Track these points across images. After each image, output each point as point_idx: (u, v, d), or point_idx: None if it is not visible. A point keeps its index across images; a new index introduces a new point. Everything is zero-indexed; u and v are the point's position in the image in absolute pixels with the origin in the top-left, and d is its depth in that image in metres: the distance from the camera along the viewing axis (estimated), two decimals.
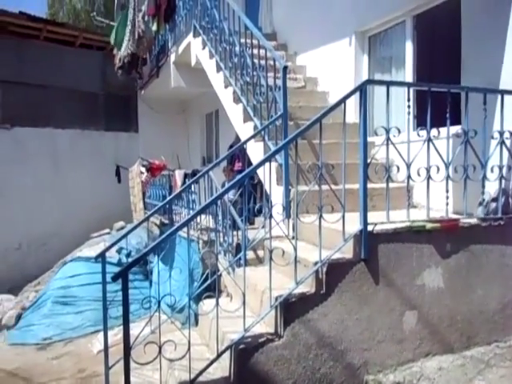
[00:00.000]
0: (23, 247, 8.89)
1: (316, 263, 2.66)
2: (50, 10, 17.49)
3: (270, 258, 2.58)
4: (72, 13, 17.08)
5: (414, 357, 2.84)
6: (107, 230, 8.69)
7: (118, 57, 8.06)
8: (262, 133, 3.80)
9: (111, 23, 9.41)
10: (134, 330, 2.68)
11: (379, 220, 2.82)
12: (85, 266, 6.85)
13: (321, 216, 2.62)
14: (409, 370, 2.76)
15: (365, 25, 4.72)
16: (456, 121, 3.14)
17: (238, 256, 3.50)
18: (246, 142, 3.86)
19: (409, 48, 4.27)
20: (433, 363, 2.81)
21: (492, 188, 3.09)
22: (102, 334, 5.61)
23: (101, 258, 3.22)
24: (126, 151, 9.58)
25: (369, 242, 2.70)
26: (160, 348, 2.42)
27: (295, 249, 2.61)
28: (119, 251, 6.75)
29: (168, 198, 4.21)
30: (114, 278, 2.24)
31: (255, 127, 4.06)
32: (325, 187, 2.66)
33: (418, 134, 2.82)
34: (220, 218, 4.56)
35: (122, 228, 8.64)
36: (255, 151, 4.07)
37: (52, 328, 5.92)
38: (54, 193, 9.08)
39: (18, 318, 6.50)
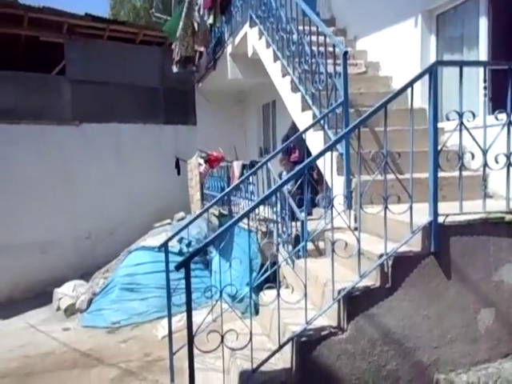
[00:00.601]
0: (92, 237, 9.44)
1: (381, 256, 2.55)
2: (113, 11, 18.35)
3: (333, 250, 2.50)
4: (132, 11, 17.79)
5: (491, 357, 2.64)
6: (168, 221, 8.99)
7: (175, 51, 8.24)
8: (322, 122, 3.70)
9: (169, 18, 9.63)
10: (196, 317, 2.72)
11: (450, 211, 2.64)
12: (148, 254, 7.15)
13: (386, 207, 2.50)
14: (484, 370, 2.58)
15: (433, 2, 4.41)
16: None
17: (299, 247, 3.45)
18: (304, 131, 3.78)
19: (483, 25, 3.93)
20: None
21: None
22: (165, 320, 5.83)
23: (164, 247, 3.30)
24: (185, 144, 9.82)
25: (439, 234, 2.54)
26: (222, 337, 2.44)
27: (359, 240, 2.51)
28: (180, 241, 6.95)
29: (227, 190, 4.24)
30: (177, 267, 2.27)
31: (314, 116, 3.96)
32: (389, 177, 2.53)
33: (497, 118, 2.59)
34: (278, 208, 4.54)
35: (183, 219, 8.90)
36: (314, 141, 3.97)
37: (120, 313, 6.25)
38: (118, 185, 9.54)
39: (90, 302, 6.94)
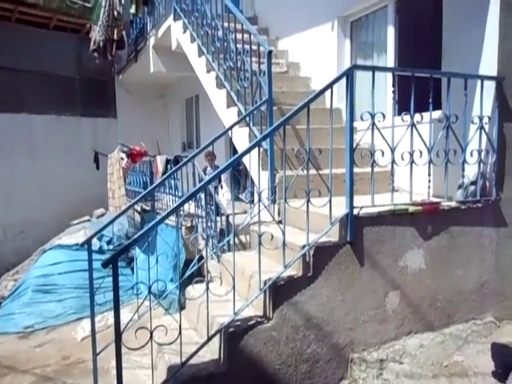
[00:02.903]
0: (0, 235, 8.69)
1: (303, 247, 2.71)
2: None
3: (259, 243, 2.61)
4: None
5: (397, 335, 2.94)
6: (87, 217, 8.58)
7: (92, 40, 7.85)
8: (247, 118, 3.80)
9: (85, 4, 9.10)
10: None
11: (362, 204, 2.88)
12: (65, 253, 6.78)
13: (308, 200, 2.66)
14: (391, 347, 2.87)
15: (347, 9, 4.73)
16: (436, 106, 3.21)
17: (226, 240, 3.53)
18: (230, 128, 3.85)
19: (390, 33, 4.31)
20: (414, 341, 2.93)
21: (471, 172, 3.19)
22: (85, 321, 5.64)
23: (87, 245, 3.18)
24: (105, 137, 9.42)
25: (354, 225, 2.76)
26: (151, 333, 2.43)
27: (284, 233, 2.64)
28: (100, 238, 6.69)
29: (153, 185, 4.17)
30: (104, 265, 2.22)
31: (239, 112, 4.05)
32: (311, 172, 2.69)
33: (403, 119, 2.88)
34: (203, 203, 4.57)
35: (102, 215, 8.54)
36: (239, 137, 4.06)
37: (33, 316, 5.87)
38: (30, 180, 8.88)
39: None
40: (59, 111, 9.32)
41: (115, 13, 7.36)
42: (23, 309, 5.99)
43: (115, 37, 7.75)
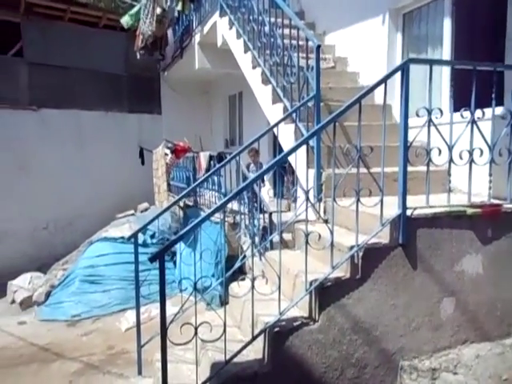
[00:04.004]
0: (50, 227, 9.10)
1: (352, 248, 2.61)
2: None
3: (306, 242, 2.54)
4: None
5: (451, 344, 2.78)
6: (131, 211, 8.81)
7: (139, 38, 8.01)
8: (293, 115, 3.73)
9: (134, 3, 9.33)
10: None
11: (416, 204, 2.74)
12: (111, 246, 6.98)
13: (358, 199, 2.56)
14: (445, 356, 2.72)
15: (400, 1, 4.53)
16: (498, 102, 3.00)
17: (270, 238, 3.48)
18: (276, 124, 3.79)
19: (447, 25, 4.08)
20: (470, 351, 2.76)
21: None
22: (129, 312, 5.77)
23: (133, 238, 3.23)
24: (149, 133, 9.62)
25: (407, 226, 2.63)
26: (196, 329, 2.42)
27: (332, 232, 2.56)
28: (144, 232, 6.83)
29: (198, 181, 4.19)
30: (152, 260, 2.23)
31: (285, 109, 3.98)
32: (360, 170, 2.59)
33: (462, 116, 2.71)
34: (247, 201, 4.54)
35: (146, 209, 8.74)
36: (285, 134, 3.99)
37: (80, 305, 6.08)
38: (79, 174, 9.24)
39: (48, 295, 6.70)
40: (107, 107, 9.62)
41: (158, 10, 7.46)
42: (71, 298, 6.23)
43: (163, 34, 7.89)
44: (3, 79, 8.57)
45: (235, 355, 2.49)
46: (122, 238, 6.79)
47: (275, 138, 4.22)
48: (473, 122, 2.71)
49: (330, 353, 2.57)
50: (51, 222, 9.10)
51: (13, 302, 7.01)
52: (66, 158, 9.14)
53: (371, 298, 2.63)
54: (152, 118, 10.11)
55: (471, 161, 2.75)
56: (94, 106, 9.42)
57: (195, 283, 2.42)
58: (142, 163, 9.10)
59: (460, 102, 2.87)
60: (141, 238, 6.73)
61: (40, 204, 8.91)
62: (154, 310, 5.42)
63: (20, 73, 8.74)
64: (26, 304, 6.77)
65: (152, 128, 9.84)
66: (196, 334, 2.42)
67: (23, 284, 7.20)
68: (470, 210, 2.76)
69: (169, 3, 7.63)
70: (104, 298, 6.22)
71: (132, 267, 3.43)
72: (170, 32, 8.58)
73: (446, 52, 4.11)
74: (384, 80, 2.60)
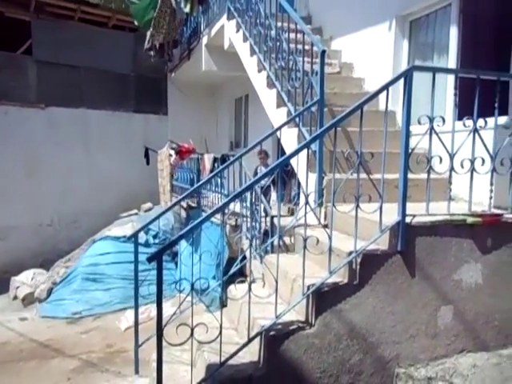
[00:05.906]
0: (55, 223, 9.16)
1: (350, 253, 2.61)
2: None
3: (304, 247, 2.54)
4: None
5: (448, 353, 2.76)
6: (135, 211, 8.85)
7: (148, 38, 8.07)
8: (297, 119, 3.74)
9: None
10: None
11: (416, 212, 2.73)
12: (113, 245, 7.02)
13: (358, 205, 2.56)
14: (441, 365, 2.70)
15: (407, 8, 4.53)
16: (501, 111, 2.99)
17: (270, 241, 3.48)
18: (279, 128, 3.80)
19: (453, 33, 4.07)
20: (467, 360, 2.74)
21: None
22: (129, 311, 5.79)
23: (134, 238, 3.25)
24: (155, 133, 9.66)
25: (406, 234, 2.63)
26: (192, 330, 2.43)
27: (330, 237, 2.56)
28: (146, 232, 6.87)
29: (201, 182, 4.20)
30: (149, 260, 2.24)
31: (289, 113, 3.98)
32: (360, 176, 2.59)
33: (464, 124, 2.70)
34: (249, 203, 4.54)
35: (150, 209, 8.78)
36: (288, 137, 4.00)
37: (81, 303, 6.12)
38: (84, 172, 9.29)
39: (49, 292, 6.74)
40: (114, 107, 9.68)
41: (171, 12, 7.52)
42: (72, 295, 6.27)
43: (172, 36, 7.94)
44: (12, 77, 8.66)
45: (230, 357, 2.50)
46: (125, 237, 6.83)
47: (279, 141, 4.23)
48: (475, 130, 2.71)
49: (326, 358, 2.57)
50: (55, 219, 9.16)
51: (15, 297, 7.07)
52: (72, 156, 9.21)
53: (368, 304, 2.63)
54: (158, 118, 10.16)
55: (472, 169, 2.74)
56: (101, 105, 9.49)
57: (192, 284, 2.43)
58: (147, 163, 9.14)
59: (465, 110, 2.86)
60: (143, 237, 6.77)
61: (45, 200, 8.98)
62: (154, 310, 5.41)
63: (28, 71, 8.82)
64: (28, 300, 6.83)
65: (158, 128, 9.88)
66: (192, 334, 2.43)
67: (26, 280, 7.26)
68: (470, 219, 2.75)
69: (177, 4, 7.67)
70: (105, 296, 6.25)
71: (133, 266, 3.44)
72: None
73: (452, 60, 4.10)
74: (386, 86, 2.60)
